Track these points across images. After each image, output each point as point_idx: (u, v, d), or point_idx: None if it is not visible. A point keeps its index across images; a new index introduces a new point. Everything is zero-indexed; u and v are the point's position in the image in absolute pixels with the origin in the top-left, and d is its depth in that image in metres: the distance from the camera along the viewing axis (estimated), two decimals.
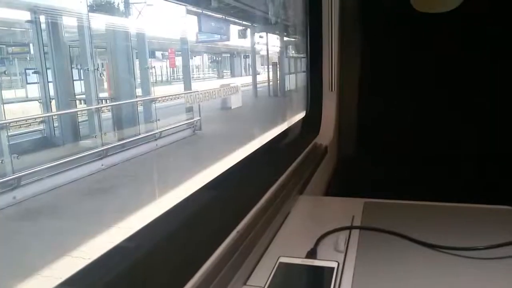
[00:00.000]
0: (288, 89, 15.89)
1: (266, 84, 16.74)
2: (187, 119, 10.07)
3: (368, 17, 2.26)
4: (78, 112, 8.44)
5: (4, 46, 11.65)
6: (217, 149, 7.54)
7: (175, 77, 21.19)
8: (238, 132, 9.57)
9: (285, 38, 16.33)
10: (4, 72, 11.25)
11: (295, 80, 15.84)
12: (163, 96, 12.20)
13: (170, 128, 9.14)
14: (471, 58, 2.06)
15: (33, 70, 9.20)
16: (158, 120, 8.90)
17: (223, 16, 14.31)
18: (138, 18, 9.34)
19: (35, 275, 3.36)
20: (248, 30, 16.19)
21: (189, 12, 11.78)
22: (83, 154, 6.88)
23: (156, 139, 8.53)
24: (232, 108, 12.91)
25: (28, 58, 11.40)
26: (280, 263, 0.94)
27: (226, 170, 1.38)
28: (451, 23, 2.02)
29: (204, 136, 9.83)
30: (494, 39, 2.02)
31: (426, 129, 2.14)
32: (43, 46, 7.97)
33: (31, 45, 9.27)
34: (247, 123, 11.17)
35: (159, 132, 8.70)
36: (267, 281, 0.88)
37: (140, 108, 9.13)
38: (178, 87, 14.06)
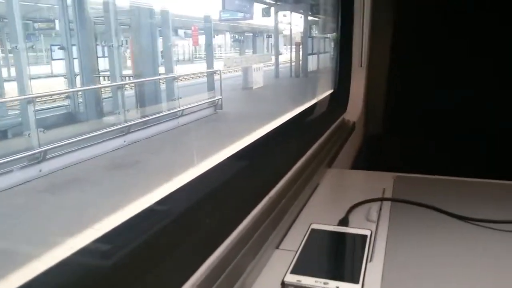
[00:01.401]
0: (311, 70, 15.72)
1: (288, 64, 16.58)
2: (209, 98, 10.09)
3: None
4: (102, 89, 8.53)
5: (30, 22, 11.81)
6: (237, 128, 7.55)
7: (197, 55, 21.19)
8: (258, 112, 9.55)
9: (309, 17, 16.10)
10: (32, 46, 11.41)
11: (317, 61, 15.67)
12: (186, 75, 12.22)
13: (192, 107, 9.17)
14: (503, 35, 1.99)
15: (58, 46, 9.30)
16: (180, 98, 8.94)
17: None
18: None
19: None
20: (272, 9, 15.97)
21: None
22: (106, 130, 6.98)
23: (177, 117, 8.58)
24: (253, 88, 12.87)
25: (53, 34, 11.54)
26: (312, 229, 0.95)
27: (256, 140, 1.38)
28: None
29: (225, 115, 9.85)
30: None
31: (454, 105, 2.10)
32: (68, 23, 8.04)
33: (56, 21, 9.37)
34: (268, 104, 11.13)
35: (181, 110, 8.74)
36: (300, 245, 0.88)
37: (163, 86, 9.18)
38: (200, 66, 14.07)
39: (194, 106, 9.25)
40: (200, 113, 9.38)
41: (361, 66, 2.12)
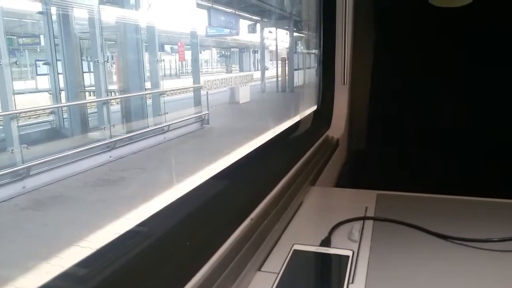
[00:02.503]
0: (297, 84, 15.84)
1: (275, 79, 16.69)
2: (195, 113, 10.08)
3: (382, 10, 2.25)
4: (88, 104, 8.47)
5: (14, 37, 11.72)
6: (224, 143, 7.55)
7: (184, 71, 21.23)
8: (244, 127, 9.58)
9: (295, 34, 16.28)
10: (16, 62, 11.30)
11: (303, 76, 15.81)
12: (172, 90, 12.22)
13: (178, 122, 9.15)
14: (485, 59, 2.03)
15: (43, 61, 9.23)
16: (166, 113, 8.91)
17: (233, 10, 14.27)
18: (148, 11, 9.34)
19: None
20: (258, 25, 16.13)
21: (199, 6, 11.76)
22: (92, 146, 6.91)
23: (164, 132, 8.54)
24: (240, 102, 12.91)
25: (38, 50, 11.46)
26: (295, 250, 0.94)
27: (239, 160, 1.38)
28: (471, 14, 2.00)
29: (212, 130, 9.84)
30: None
31: (437, 123, 2.13)
32: (53, 38, 8.00)
33: (41, 36, 9.32)
34: (254, 119, 11.16)
35: (167, 125, 8.71)
36: (282, 267, 0.88)
37: (149, 101, 9.15)
38: (186, 81, 14.09)
39: (181, 121, 9.23)
40: (187, 128, 9.37)
41: (344, 83, 2.15)
